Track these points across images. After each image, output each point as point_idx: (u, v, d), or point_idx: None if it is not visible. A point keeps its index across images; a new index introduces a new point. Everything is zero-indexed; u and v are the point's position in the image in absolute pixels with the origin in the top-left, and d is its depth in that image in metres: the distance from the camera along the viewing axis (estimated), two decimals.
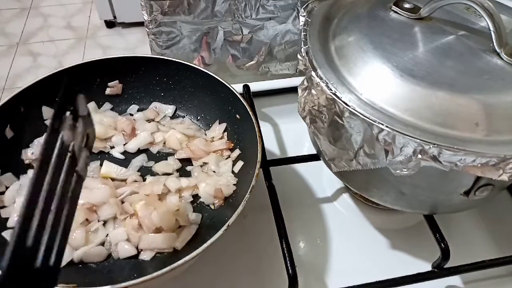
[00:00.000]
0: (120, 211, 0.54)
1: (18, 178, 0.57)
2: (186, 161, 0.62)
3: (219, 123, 0.64)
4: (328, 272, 0.57)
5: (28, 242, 0.30)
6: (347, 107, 0.43)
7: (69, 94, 0.38)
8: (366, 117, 0.42)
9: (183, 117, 0.67)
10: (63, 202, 0.35)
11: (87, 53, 2.12)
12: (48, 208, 0.33)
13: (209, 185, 0.57)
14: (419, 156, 0.40)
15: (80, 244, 0.51)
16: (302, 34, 0.51)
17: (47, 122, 0.63)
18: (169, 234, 0.52)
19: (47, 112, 0.63)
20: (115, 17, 2.17)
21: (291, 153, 0.70)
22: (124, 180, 0.58)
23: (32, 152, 0.59)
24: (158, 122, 0.66)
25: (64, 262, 0.49)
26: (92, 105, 0.65)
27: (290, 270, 0.50)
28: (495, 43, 0.46)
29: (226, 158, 0.61)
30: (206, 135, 0.65)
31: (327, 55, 0.48)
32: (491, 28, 0.45)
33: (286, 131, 0.74)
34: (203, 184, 0.57)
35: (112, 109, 0.67)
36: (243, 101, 0.59)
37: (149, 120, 0.66)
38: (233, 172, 0.59)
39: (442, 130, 0.41)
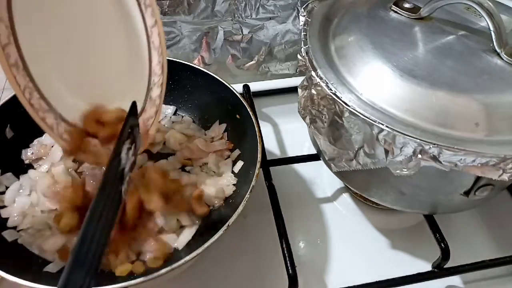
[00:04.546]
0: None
1: (18, 178, 0.57)
2: (186, 162, 0.62)
3: (219, 123, 0.64)
4: (328, 272, 0.57)
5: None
6: (347, 107, 0.43)
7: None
8: (366, 117, 0.42)
9: (183, 116, 0.67)
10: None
11: None
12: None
13: (209, 186, 0.57)
14: (419, 156, 0.40)
15: None
16: (302, 34, 0.51)
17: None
18: (170, 234, 0.52)
19: None
20: None
21: (291, 153, 0.70)
22: None
23: (32, 152, 0.59)
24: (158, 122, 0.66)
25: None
26: None
27: (290, 270, 0.50)
28: (495, 43, 0.46)
29: (226, 158, 0.61)
30: (206, 135, 0.65)
31: (327, 55, 0.49)
32: (491, 28, 0.45)
33: (286, 131, 0.74)
34: (203, 185, 0.57)
35: None
36: (243, 101, 0.59)
37: None
38: (233, 172, 0.59)
39: (442, 130, 0.41)
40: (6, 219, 0.53)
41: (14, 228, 0.52)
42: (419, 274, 0.53)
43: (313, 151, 0.60)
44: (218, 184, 0.57)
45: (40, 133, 0.61)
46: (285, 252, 0.51)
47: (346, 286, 0.51)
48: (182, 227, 0.53)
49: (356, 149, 0.46)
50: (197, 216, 0.54)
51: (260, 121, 0.63)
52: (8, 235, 0.51)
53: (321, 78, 0.46)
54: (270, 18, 0.73)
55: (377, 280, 0.52)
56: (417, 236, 0.60)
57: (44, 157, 0.59)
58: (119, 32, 0.45)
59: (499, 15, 0.45)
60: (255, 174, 0.51)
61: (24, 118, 0.59)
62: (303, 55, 0.49)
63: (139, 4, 0.42)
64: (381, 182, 0.50)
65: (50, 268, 0.48)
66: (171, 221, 0.52)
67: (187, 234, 0.52)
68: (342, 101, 0.43)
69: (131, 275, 0.47)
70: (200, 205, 0.54)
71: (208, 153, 0.61)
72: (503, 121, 0.41)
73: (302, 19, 0.53)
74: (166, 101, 0.68)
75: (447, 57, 0.46)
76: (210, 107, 0.65)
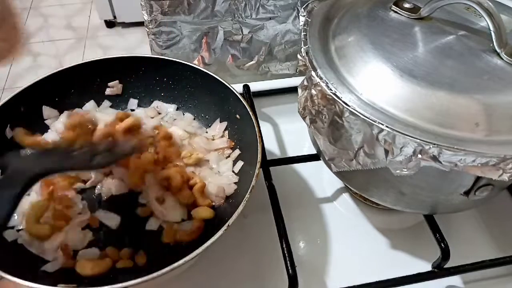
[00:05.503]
0: None
1: None
2: None
3: (220, 122, 0.64)
4: (328, 272, 0.57)
5: None
6: (347, 107, 0.43)
7: None
8: (366, 117, 0.42)
9: (184, 114, 0.67)
10: None
11: (87, 53, 2.12)
12: None
13: (212, 184, 0.57)
14: (419, 156, 0.40)
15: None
16: (302, 34, 0.51)
17: (47, 122, 0.63)
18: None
19: (47, 112, 0.63)
20: (115, 17, 2.16)
21: (291, 153, 0.70)
22: None
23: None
24: (160, 119, 0.66)
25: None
26: (91, 104, 0.65)
27: (290, 270, 0.50)
28: (495, 43, 0.46)
29: (227, 157, 0.61)
30: (207, 133, 0.65)
31: (327, 55, 0.48)
32: (491, 28, 0.45)
33: (286, 131, 0.74)
34: (205, 181, 0.57)
35: (111, 108, 0.67)
36: (243, 101, 0.59)
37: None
38: (233, 172, 0.59)
39: (442, 130, 0.41)
40: None
41: (14, 228, 0.52)
42: (419, 274, 0.53)
43: (313, 151, 0.60)
44: (219, 182, 0.57)
45: (40, 133, 0.61)
46: (285, 252, 0.51)
47: (346, 286, 0.51)
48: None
49: (356, 149, 0.46)
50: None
51: (260, 121, 0.63)
52: (8, 235, 0.51)
53: (321, 78, 0.46)
54: (270, 18, 0.73)
55: (377, 280, 0.52)
56: (417, 236, 0.60)
57: None
58: None
59: (499, 15, 0.45)
60: (255, 174, 0.51)
61: (24, 118, 0.60)
62: (303, 55, 0.49)
63: None
64: (381, 182, 0.50)
65: (48, 268, 0.48)
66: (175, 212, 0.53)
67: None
68: (342, 101, 0.43)
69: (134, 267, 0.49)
70: (203, 197, 0.54)
71: (209, 151, 0.61)
72: (503, 121, 0.41)
73: (302, 19, 0.53)
74: (167, 100, 0.68)
75: (447, 57, 0.46)
76: (210, 107, 0.66)
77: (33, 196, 0.55)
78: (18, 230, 0.52)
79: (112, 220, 0.54)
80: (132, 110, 0.67)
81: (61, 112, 0.63)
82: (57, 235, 0.51)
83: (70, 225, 0.52)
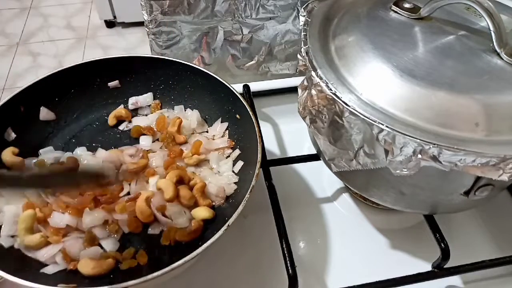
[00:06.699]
0: None
1: None
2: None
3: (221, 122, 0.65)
4: (328, 272, 0.57)
5: None
6: (347, 107, 0.43)
7: None
8: (366, 117, 0.42)
9: (186, 109, 0.67)
10: None
11: (87, 53, 2.12)
12: None
13: (212, 184, 0.57)
14: (419, 156, 0.40)
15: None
16: (302, 34, 0.51)
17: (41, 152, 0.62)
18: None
19: (44, 113, 0.62)
20: (115, 17, 2.16)
21: (291, 153, 0.70)
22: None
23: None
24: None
25: (63, 266, 0.49)
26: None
27: (290, 270, 0.50)
28: (495, 43, 0.46)
29: (227, 157, 0.61)
30: (207, 132, 0.65)
31: (327, 55, 0.48)
32: (491, 28, 0.45)
33: (286, 131, 0.74)
34: (205, 181, 0.57)
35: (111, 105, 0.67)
36: (243, 101, 0.59)
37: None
38: (233, 172, 0.59)
39: (442, 130, 0.41)
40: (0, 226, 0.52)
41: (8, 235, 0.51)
42: (419, 274, 0.53)
43: (313, 151, 0.60)
44: (219, 182, 0.57)
45: (40, 133, 0.61)
46: (285, 252, 0.51)
47: (346, 286, 0.51)
48: None
49: (356, 149, 0.46)
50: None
51: (260, 121, 0.63)
52: (4, 242, 0.50)
53: (321, 78, 0.46)
54: (270, 18, 0.73)
55: (377, 280, 0.52)
56: (417, 236, 0.60)
57: None
58: None
59: (499, 15, 0.45)
60: (255, 174, 0.51)
61: (24, 118, 0.60)
62: (303, 55, 0.49)
63: None
64: (381, 182, 0.50)
65: (47, 270, 0.48)
66: (182, 218, 0.53)
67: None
68: (342, 101, 0.43)
69: (137, 267, 0.49)
70: (204, 197, 0.54)
71: (209, 151, 0.61)
72: (503, 121, 0.41)
73: (302, 19, 0.53)
74: (168, 100, 0.68)
75: (447, 57, 0.46)
76: (210, 107, 0.66)
77: (13, 208, 0.53)
78: (12, 236, 0.51)
79: (110, 244, 0.52)
80: (132, 109, 0.67)
81: (57, 115, 0.63)
82: (53, 246, 0.50)
83: (68, 237, 0.51)
